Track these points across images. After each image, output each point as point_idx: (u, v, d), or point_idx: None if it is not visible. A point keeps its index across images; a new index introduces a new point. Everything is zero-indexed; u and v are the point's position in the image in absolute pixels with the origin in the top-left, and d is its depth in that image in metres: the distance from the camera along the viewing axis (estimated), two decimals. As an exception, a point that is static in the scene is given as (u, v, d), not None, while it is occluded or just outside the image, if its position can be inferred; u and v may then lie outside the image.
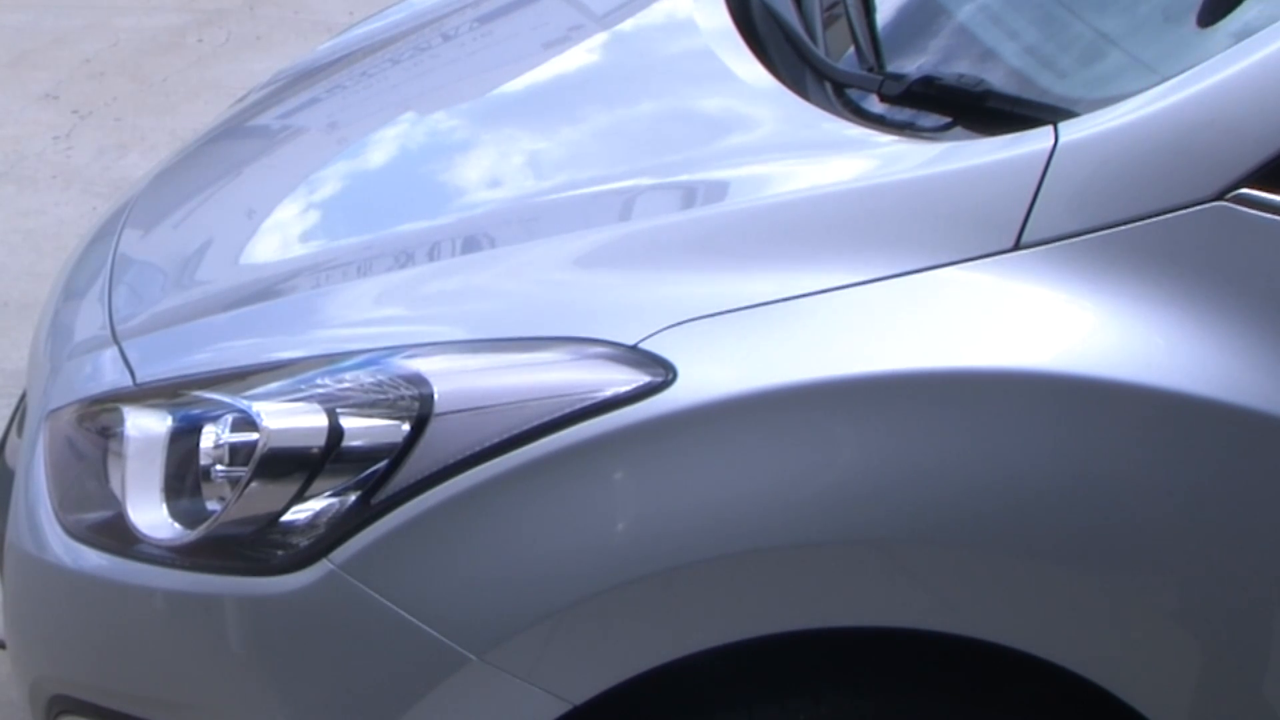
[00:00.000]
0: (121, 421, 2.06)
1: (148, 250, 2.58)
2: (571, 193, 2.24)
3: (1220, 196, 1.83)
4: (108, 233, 2.67)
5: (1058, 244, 1.86)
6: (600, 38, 2.86)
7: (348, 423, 1.91)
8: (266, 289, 2.25)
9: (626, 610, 1.88)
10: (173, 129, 5.70)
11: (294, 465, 1.92)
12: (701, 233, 2.03)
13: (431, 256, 2.19)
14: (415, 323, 2.07)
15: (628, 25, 2.81)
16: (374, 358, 1.97)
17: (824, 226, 1.95)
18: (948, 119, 2.08)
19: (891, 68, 2.25)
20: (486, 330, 2.01)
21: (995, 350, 1.84)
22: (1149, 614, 1.88)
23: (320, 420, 1.92)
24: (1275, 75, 1.83)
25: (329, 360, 1.99)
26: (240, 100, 3.28)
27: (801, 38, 2.40)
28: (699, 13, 2.59)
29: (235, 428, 1.95)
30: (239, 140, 2.95)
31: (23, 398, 2.59)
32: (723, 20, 2.52)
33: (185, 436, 2.00)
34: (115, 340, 2.26)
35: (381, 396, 1.93)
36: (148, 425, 2.03)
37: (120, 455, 2.05)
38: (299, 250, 2.39)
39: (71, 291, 2.57)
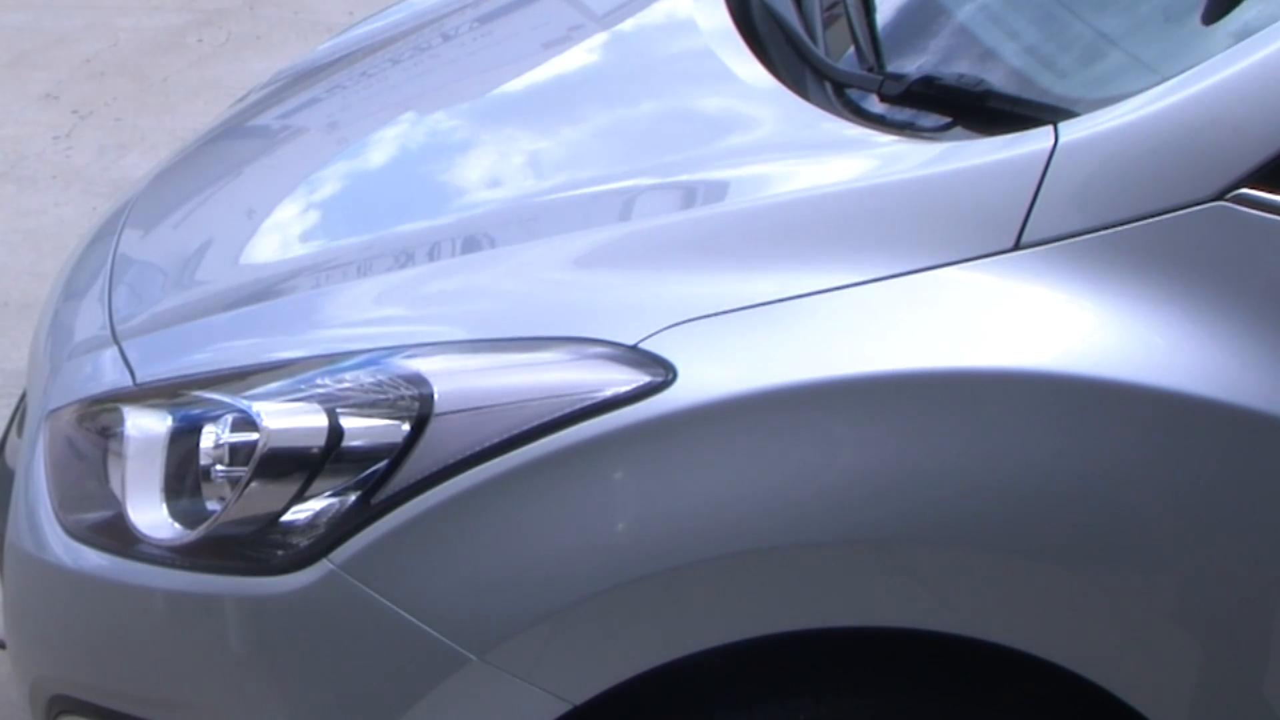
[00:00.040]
0: (121, 421, 2.06)
1: (148, 250, 2.58)
2: (571, 193, 2.24)
3: (1220, 196, 1.83)
4: (108, 233, 2.67)
5: (1058, 244, 1.86)
6: (600, 38, 2.86)
7: (348, 423, 1.91)
8: (266, 289, 2.25)
9: (626, 610, 1.88)
10: (173, 129, 5.70)
11: (294, 465, 1.92)
12: (702, 233, 2.03)
13: (431, 256, 2.19)
14: (415, 323, 2.07)
15: (628, 25, 2.81)
16: (374, 358, 1.97)
17: (824, 226, 1.95)
18: (948, 119, 2.08)
19: (891, 68, 2.25)
20: (486, 330, 2.01)
21: (995, 350, 1.84)
22: (1149, 614, 1.88)
23: (320, 420, 1.92)
24: (1275, 75, 1.83)
25: (329, 360, 2.00)
26: (240, 100, 3.27)
27: (801, 38, 2.40)
28: (699, 13, 2.59)
29: (235, 428, 1.95)
30: (239, 140, 2.95)
31: (23, 398, 2.59)
32: (723, 20, 2.52)
33: (185, 436, 2.00)
34: (115, 340, 2.26)
35: (381, 396, 1.93)
36: (148, 425, 2.03)
37: (120, 455, 2.05)
38: (299, 250, 2.39)
39: (71, 291, 2.57)
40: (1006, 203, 1.88)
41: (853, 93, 2.25)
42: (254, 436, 1.93)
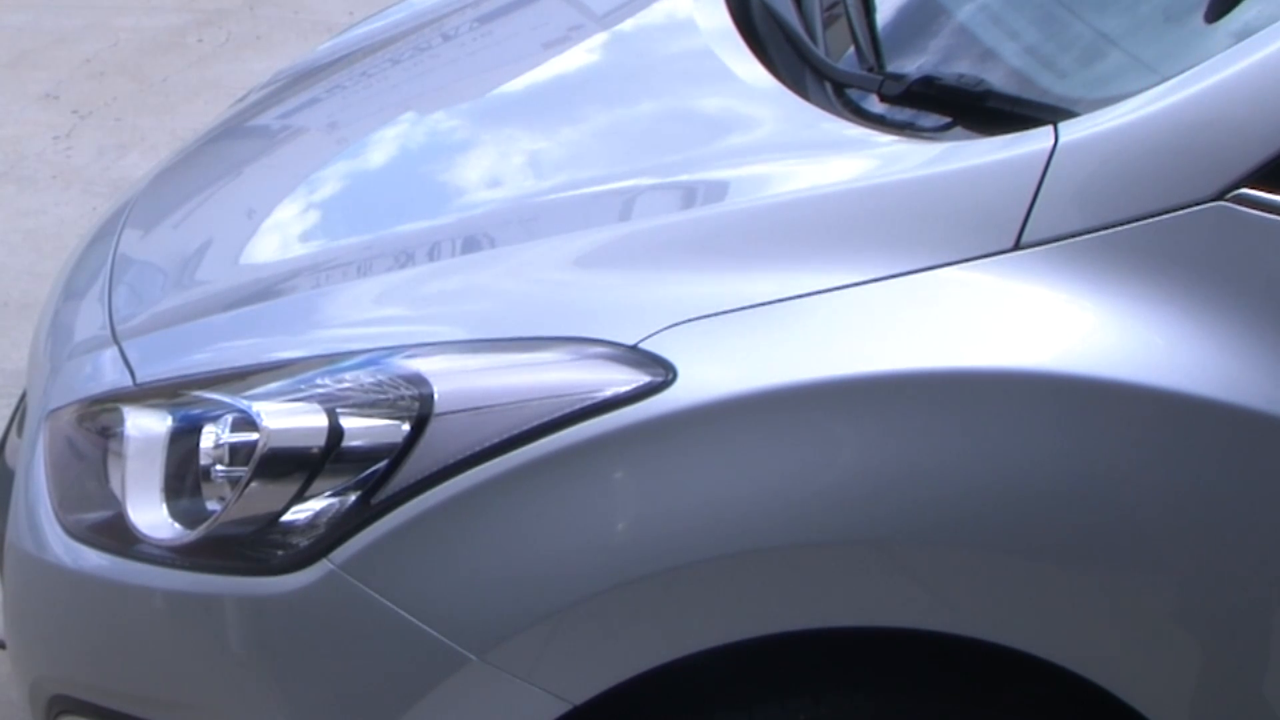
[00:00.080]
0: (121, 421, 2.06)
1: (148, 250, 2.58)
2: (571, 193, 2.24)
3: (1220, 196, 1.83)
4: (108, 233, 2.67)
5: (1058, 244, 1.86)
6: (600, 38, 2.86)
7: (348, 423, 1.91)
8: (266, 289, 2.25)
9: (626, 610, 1.88)
10: (173, 129, 5.70)
11: (294, 465, 1.92)
12: (702, 233, 2.03)
13: (431, 256, 2.19)
14: (415, 323, 2.07)
15: (628, 25, 2.81)
16: (374, 358, 1.97)
17: (824, 226, 1.95)
18: (948, 119, 2.08)
19: (891, 68, 2.25)
20: (486, 330, 2.01)
21: (995, 350, 1.84)
22: (1149, 614, 1.88)
23: (320, 420, 1.92)
24: (1275, 75, 1.83)
25: (329, 360, 2.00)
26: (240, 100, 3.27)
27: (801, 38, 2.40)
28: (699, 13, 2.59)
29: (235, 428, 1.95)
30: (239, 140, 2.95)
31: (23, 398, 2.59)
32: (723, 20, 2.52)
33: (185, 436, 2.00)
34: (115, 340, 2.26)
35: (381, 396, 1.93)
36: (148, 425, 2.03)
37: (120, 455, 2.05)
38: (299, 250, 2.39)
39: (71, 291, 2.57)
40: (1006, 203, 1.88)
41: (853, 93, 2.25)
42: (254, 436, 1.93)
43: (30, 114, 5.96)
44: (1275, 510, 1.84)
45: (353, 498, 1.90)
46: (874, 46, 2.31)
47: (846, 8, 2.42)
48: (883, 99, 2.16)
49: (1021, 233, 1.87)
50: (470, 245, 2.20)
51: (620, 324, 1.91)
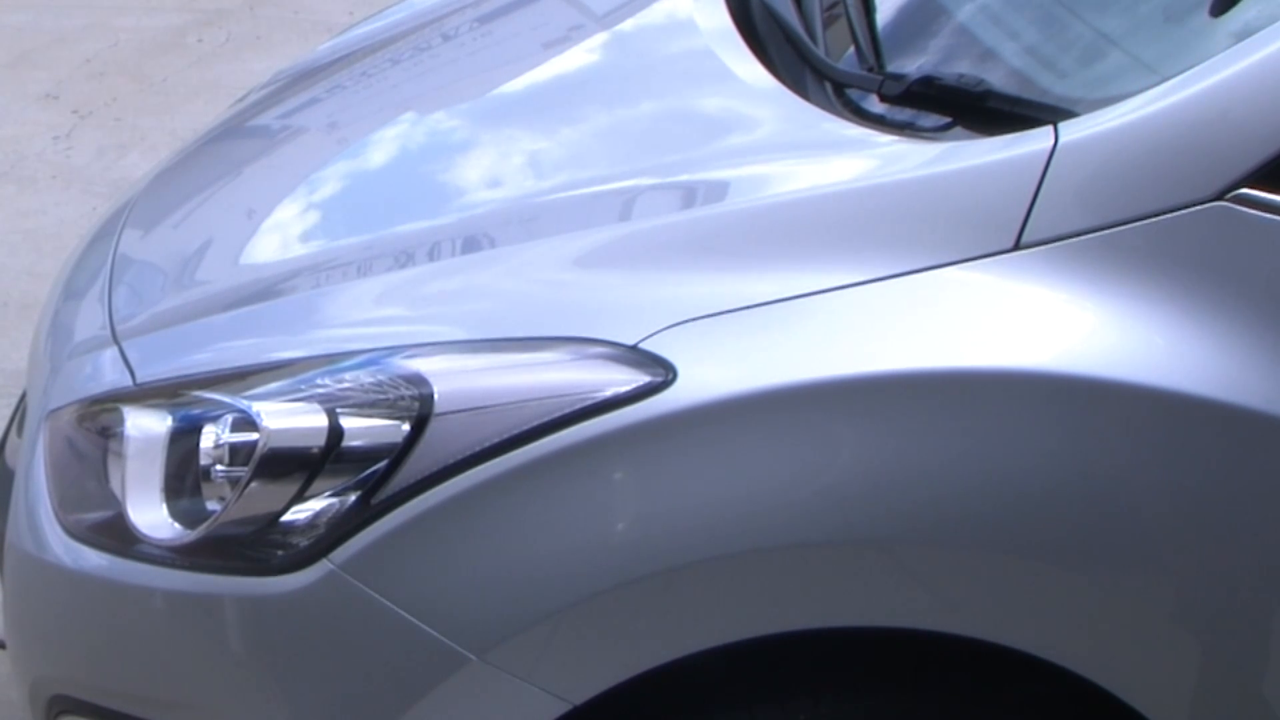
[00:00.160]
0: (121, 421, 2.06)
1: (148, 250, 2.58)
2: (571, 193, 2.24)
3: (1220, 196, 1.83)
4: (108, 233, 2.67)
5: (1058, 244, 1.86)
6: (600, 38, 2.86)
7: (348, 423, 1.91)
8: (266, 289, 2.25)
9: (626, 610, 1.88)
10: (173, 129, 5.70)
11: (294, 465, 1.92)
12: (701, 233, 2.03)
13: (431, 256, 2.19)
14: (415, 323, 2.07)
15: (628, 25, 2.81)
16: (374, 358, 1.97)
17: (824, 226, 1.95)
18: (948, 119, 2.08)
19: (891, 68, 2.25)
20: (486, 330, 2.01)
21: (995, 350, 1.84)
22: (1149, 614, 1.88)
23: (320, 420, 1.92)
24: (1275, 75, 1.83)
25: (329, 360, 2.00)
26: (240, 100, 3.28)
27: (801, 38, 2.40)
28: (699, 13, 2.59)
29: (235, 428, 1.95)
30: (239, 140, 2.95)
31: (23, 398, 2.60)
32: (723, 20, 2.52)
33: (185, 436, 2.00)
34: (115, 340, 2.26)
35: (381, 396, 1.93)
36: (148, 425, 2.03)
37: (120, 455, 2.05)
38: (299, 250, 2.39)
39: (71, 291, 2.57)
40: (1006, 203, 1.88)
41: (853, 93, 2.25)
42: (254, 436, 1.93)
43: (30, 114, 5.96)
44: (1275, 510, 1.84)
45: (353, 498, 1.90)
46: (874, 46, 2.31)
47: (846, 8, 2.42)
48: (883, 99, 2.16)
49: (1021, 233, 1.87)
50: (470, 245, 2.20)
51: (620, 324, 1.91)
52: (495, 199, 2.35)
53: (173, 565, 1.99)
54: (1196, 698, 1.91)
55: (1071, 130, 1.90)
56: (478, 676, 1.89)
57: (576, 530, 1.86)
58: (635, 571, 1.86)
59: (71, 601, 2.15)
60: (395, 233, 2.29)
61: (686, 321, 1.89)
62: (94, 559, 2.08)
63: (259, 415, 1.93)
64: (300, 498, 1.92)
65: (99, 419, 2.13)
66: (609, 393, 1.86)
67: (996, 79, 2.10)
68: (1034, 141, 1.91)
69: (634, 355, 1.88)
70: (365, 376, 1.95)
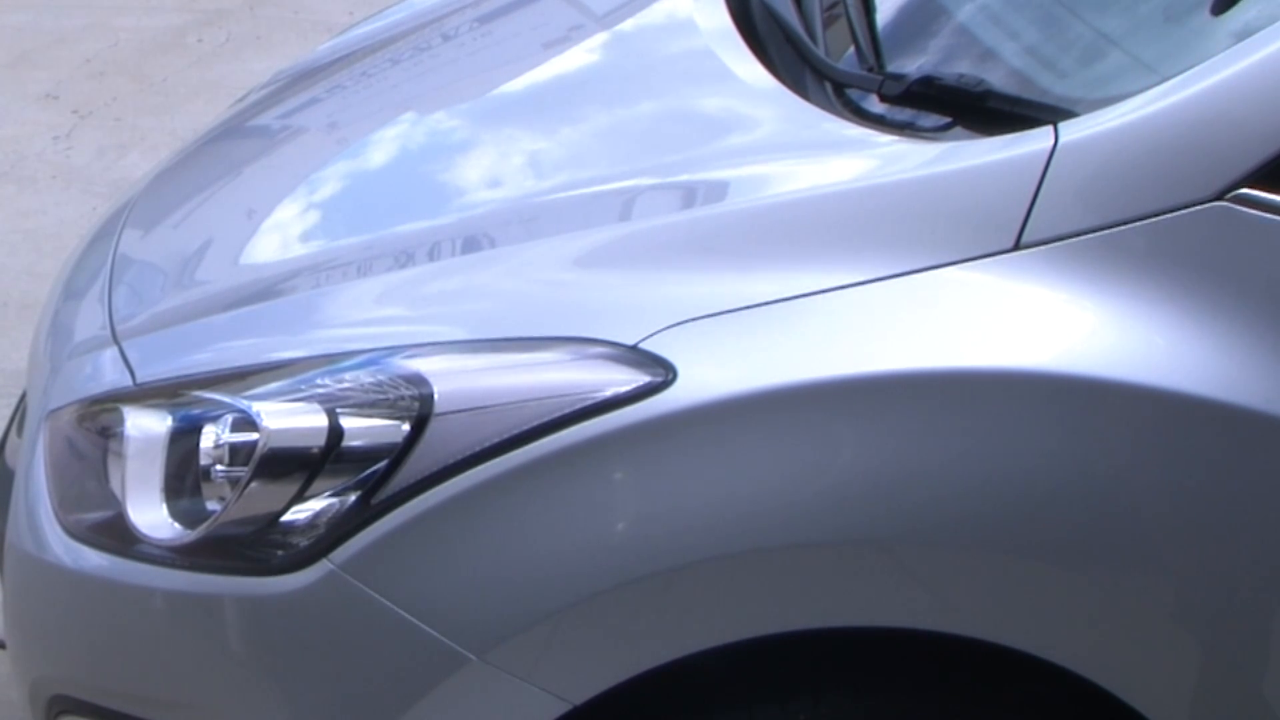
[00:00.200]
0: (121, 421, 2.06)
1: (148, 250, 2.58)
2: (571, 193, 2.24)
3: (1220, 196, 1.83)
4: (108, 233, 2.67)
5: (1058, 244, 1.86)
6: (600, 38, 2.86)
7: (348, 423, 1.91)
8: (266, 289, 2.25)
9: (626, 610, 1.88)
10: (173, 129, 5.70)
11: (294, 465, 1.92)
12: (701, 233, 2.03)
13: (431, 256, 2.19)
14: (415, 323, 2.07)
15: (628, 25, 2.81)
16: (374, 358, 1.97)
17: (824, 226, 1.95)
18: (948, 119, 2.08)
19: (891, 68, 2.25)
20: (486, 330, 2.01)
21: (995, 350, 1.84)
22: (1149, 614, 1.88)
23: (320, 420, 1.92)
24: (1275, 75, 1.83)
25: (329, 360, 2.00)
26: (240, 100, 3.28)
27: (801, 38, 2.40)
28: (699, 13, 2.59)
29: (235, 428, 1.95)
30: (239, 140, 2.95)
31: (23, 398, 2.60)
32: (723, 20, 2.52)
33: (185, 436, 2.00)
34: (115, 340, 2.26)
35: (381, 396, 1.93)
36: (148, 425, 2.03)
37: (120, 455, 2.05)
38: (299, 250, 2.39)
39: (71, 291, 2.57)
40: (1006, 203, 1.88)
41: (853, 93, 2.25)
42: (254, 436, 1.93)
43: (30, 114, 5.96)
44: (1275, 510, 1.84)
45: (353, 498, 1.90)
46: (874, 46, 2.31)
47: (846, 8, 2.42)
48: (883, 99, 2.16)
49: (1021, 233, 1.87)
50: (470, 245, 2.20)
51: (620, 324, 1.91)
52: (495, 199, 2.35)
53: (173, 565, 1.99)
54: (1196, 698, 1.91)
55: (1071, 130, 1.90)
56: (478, 676, 1.89)
57: (576, 530, 1.86)
58: (635, 571, 1.86)
59: (71, 601, 2.15)
60: (395, 233, 2.29)
61: (686, 321, 1.89)
62: (94, 559, 2.08)
63: (259, 415, 1.93)
64: (300, 498, 1.92)
65: (99, 419, 2.13)
66: (609, 393, 1.86)
67: (996, 79, 2.10)
68: (1034, 141, 1.91)
69: (634, 355, 1.88)
70: (365, 376, 1.95)
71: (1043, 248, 1.86)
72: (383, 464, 1.89)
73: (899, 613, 1.88)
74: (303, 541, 1.92)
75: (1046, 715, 1.99)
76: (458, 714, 1.91)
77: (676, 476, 1.85)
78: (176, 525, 1.99)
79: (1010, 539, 1.85)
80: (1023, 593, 1.87)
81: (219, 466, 1.95)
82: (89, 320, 2.40)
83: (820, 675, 1.95)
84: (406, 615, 1.89)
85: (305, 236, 2.45)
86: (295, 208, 2.55)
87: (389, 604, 1.89)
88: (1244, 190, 1.83)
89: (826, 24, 2.50)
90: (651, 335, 1.89)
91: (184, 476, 2.00)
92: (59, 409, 2.21)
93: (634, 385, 1.86)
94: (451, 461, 1.87)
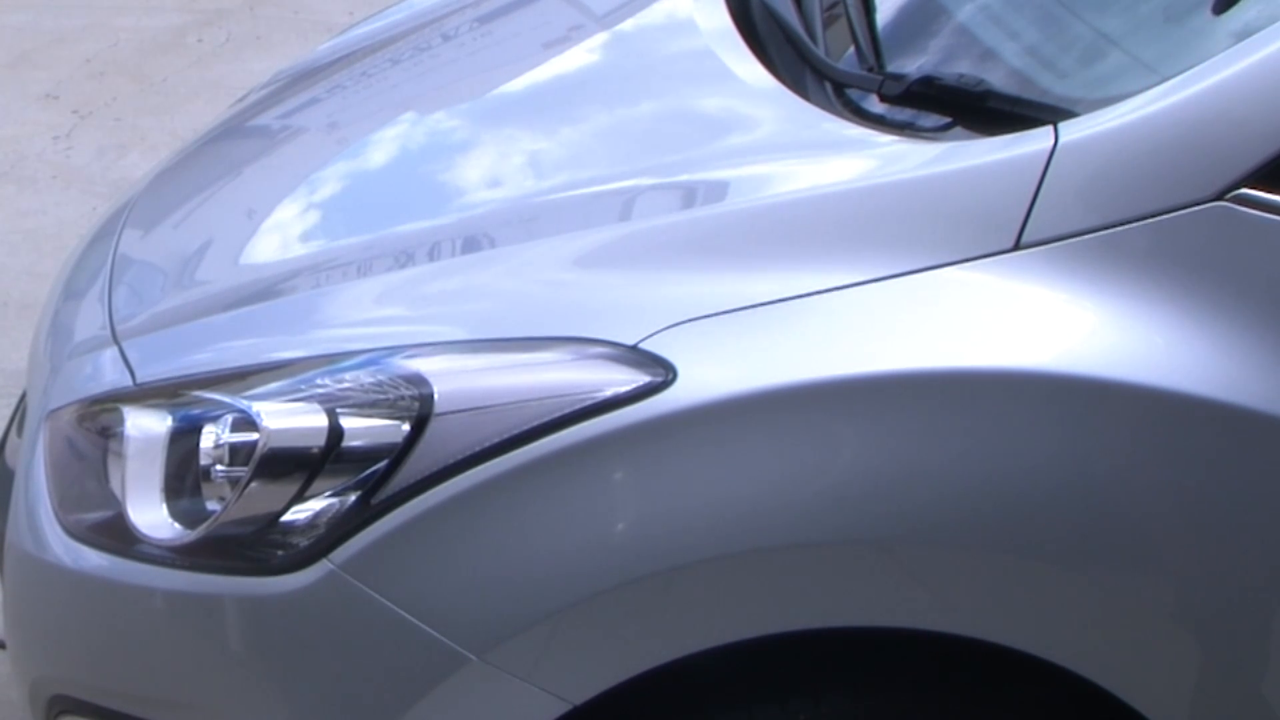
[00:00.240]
0: (121, 421, 2.06)
1: (148, 250, 2.58)
2: (571, 193, 2.24)
3: (1220, 196, 1.83)
4: (108, 233, 2.67)
5: (1058, 244, 1.86)
6: (600, 38, 2.86)
7: (348, 423, 1.91)
8: (266, 289, 2.25)
9: (627, 610, 1.87)
10: (173, 129, 5.70)
11: (294, 465, 1.92)
12: (701, 233, 2.03)
13: (432, 256, 2.19)
14: (415, 323, 2.07)
15: (628, 25, 2.81)
16: (374, 358, 1.97)
17: (824, 226, 1.95)
18: (948, 119, 2.08)
19: (891, 68, 2.25)
20: (486, 330, 2.01)
21: (995, 350, 1.84)
22: (1149, 614, 1.88)
23: (320, 420, 1.92)
24: (1275, 75, 1.83)
25: (329, 360, 2.00)
26: (240, 100, 3.28)
27: (801, 38, 2.40)
28: (699, 13, 2.59)
29: (235, 428, 1.95)
30: (239, 140, 2.95)
31: (23, 398, 2.60)
32: (723, 20, 2.52)
33: (185, 436, 2.00)
34: (115, 340, 2.26)
35: (381, 396, 1.93)
36: (148, 425, 2.03)
37: (120, 455, 2.05)
38: (299, 250, 2.39)
39: (71, 291, 2.57)
40: (1006, 203, 1.88)
41: (853, 93, 2.25)
42: (254, 436, 1.93)
43: (30, 114, 5.96)
44: (1275, 510, 1.84)
45: (353, 498, 1.90)
46: (874, 46, 2.31)
47: (846, 8, 2.42)
48: (883, 99, 2.16)
49: (1021, 233, 1.87)
50: (470, 245, 2.20)
51: (620, 324, 1.91)
52: (495, 199, 2.35)
53: (173, 565, 1.99)
54: (1196, 698, 1.91)
55: (1071, 130, 1.90)
56: (478, 676, 1.89)
57: (577, 530, 1.86)
58: (635, 571, 1.86)
59: (71, 601, 2.15)
60: (395, 233, 2.29)
61: (686, 321, 1.89)
62: (94, 559, 2.08)
63: (259, 415, 1.93)
64: (300, 498, 1.92)
65: (99, 419, 2.13)
66: (609, 393, 1.86)
67: (996, 79, 2.10)
68: (1034, 141, 1.91)
69: (634, 355, 1.88)
70: (365, 376, 1.95)
71: (1043, 248, 1.86)
72: (383, 464, 1.89)
73: (899, 613, 1.88)
74: (303, 541, 1.92)
75: (1046, 715, 1.99)
76: (458, 714, 1.91)
77: (676, 476, 1.85)
78: (176, 525, 1.99)
79: (1010, 539, 1.85)
80: (1023, 593, 1.87)
81: (219, 466, 1.95)
82: (89, 320, 2.40)
83: (820, 675, 1.95)
84: (406, 615, 1.89)
85: (305, 236, 2.45)
86: (295, 208, 2.55)
87: (389, 604, 1.89)
88: (1244, 190, 1.83)
89: (826, 24, 2.50)
90: (651, 335, 1.89)
91: (184, 476, 2.00)
92: (59, 409, 2.21)
93: (634, 385, 1.86)
94: (451, 461, 1.87)
